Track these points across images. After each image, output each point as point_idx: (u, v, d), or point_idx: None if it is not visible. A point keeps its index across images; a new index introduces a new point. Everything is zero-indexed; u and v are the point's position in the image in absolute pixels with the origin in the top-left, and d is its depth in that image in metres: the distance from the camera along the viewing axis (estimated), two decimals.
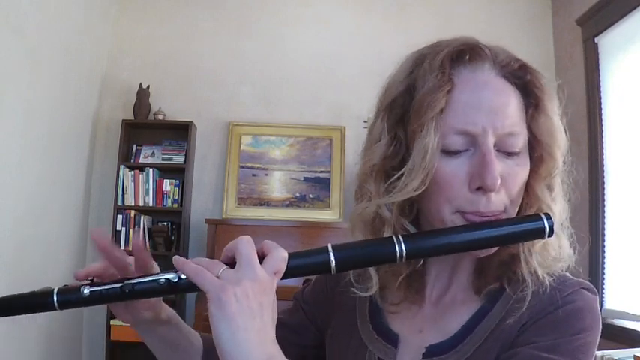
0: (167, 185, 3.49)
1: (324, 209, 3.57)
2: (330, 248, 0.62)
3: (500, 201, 0.64)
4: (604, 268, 2.99)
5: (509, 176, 0.64)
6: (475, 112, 0.63)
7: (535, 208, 0.68)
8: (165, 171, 3.57)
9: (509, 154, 0.65)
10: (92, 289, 0.60)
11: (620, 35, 3.00)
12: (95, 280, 0.63)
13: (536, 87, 0.66)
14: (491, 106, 0.63)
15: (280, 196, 3.61)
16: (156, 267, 0.67)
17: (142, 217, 3.43)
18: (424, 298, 0.74)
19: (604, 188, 3.06)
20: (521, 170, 0.65)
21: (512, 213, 0.66)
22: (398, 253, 0.61)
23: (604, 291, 2.99)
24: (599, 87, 3.15)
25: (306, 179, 3.63)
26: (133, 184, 3.45)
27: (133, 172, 3.47)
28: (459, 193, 0.64)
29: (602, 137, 3.11)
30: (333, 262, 0.61)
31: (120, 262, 0.65)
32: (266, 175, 3.63)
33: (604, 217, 3.04)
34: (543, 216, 0.63)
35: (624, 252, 2.87)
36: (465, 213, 0.64)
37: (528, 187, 0.67)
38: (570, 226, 0.70)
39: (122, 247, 3.37)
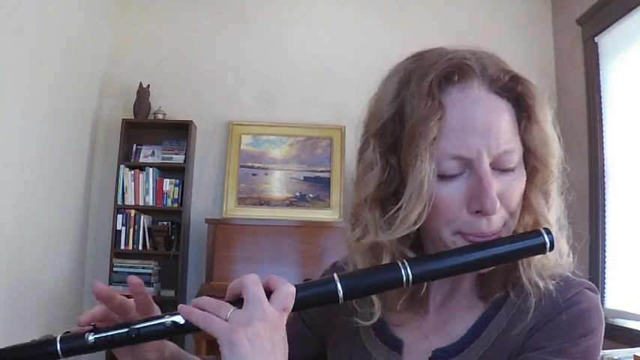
0: (167, 185, 3.49)
1: (324, 209, 3.56)
2: (336, 278, 0.61)
3: (500, 218, 0.64)
4: (605, 268, 2.99)
5: (506, 192, 0.64)
6: (468, 135, 0.62)
7: (532, 216, 0.68)
8: (165, 170, 3.57)
9: (505, 170, 0.64)
10: (97, 335, 0.59)
11: (620, 35, 3.00)
12: (98, 324, 0.62)
13: (527, 97, 0.65)
14: (484, 127, 0.62)
15: (280, 195, 3.61)
16: (156, 308, 0.67)
17: (142, 217, 3.43)
18: (427, 306, 0.74)
19: (604, 188, 3.06)
20: (518, 184, 0.65)
21: (512, 225, 0.67)
22: (404, 278, 0.61)
23: (605, 291, 2.98)
24: (599, 87, 3.15)
25: (306, 179, 3.63)
26: (132, 183, 3.45)
27: (132, 172, 3.46)
28: (458, 216, 0.64)
29: (602, 137, 3.11)
30: (341, 291, 0.61)
31: (122, 309, 0.65)
32: (266, 174, 3.63)
33: (604, 217, 3.04)
34: (543, 231, 0.64)
35: (625, 252, 2.87)
36: (466, 234, 0.64)
37: (524, 197, 0.67)
38: (568, 223, 0.70)
39: (122, 247, 3.37)
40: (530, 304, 0.66)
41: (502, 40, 3.56)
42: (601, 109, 3.14)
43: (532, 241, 0.64)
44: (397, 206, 0.64)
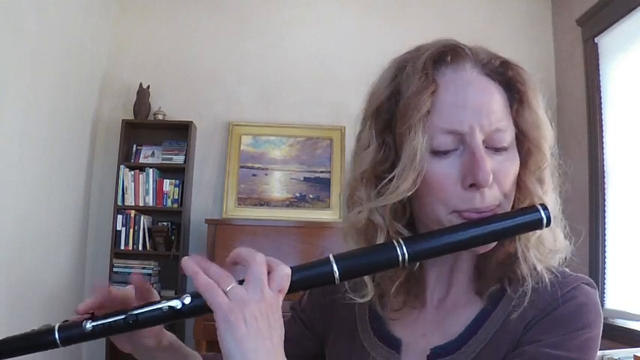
0: (167, 185, 3.49)
1: (324, 209, 3.56)
2: (331, 259, 0.61)
3: (494, 196, 0.65)
4: (605, 268, 2.99)
5: (500, 172, 0.65)
6: (461, 111, 0.63)
7: (527, 202, 0.68)
8: (165, 171, 3.57)
9: (498, 150, 0.65)
10: (94, 323, 0.59)
11: (620, 35, 3.00)
12: (96, 312, 0.62)
13: (518, 82, 0.66)
14: (476, 104, 0.64)
15: (280, 196, 3.61)
16: (155, 294, 0.67)
17: (142, 217, 3.43)
18: (425, 302, 0.74)
19: (604, 188, 3.06)
20: (511, 165, 0.66)
21: (507, 208, 0.67)
22: (400, 257, 0.61)
23: (605, 291, 2.98)
24: (599, 87, 3.15)
25: (306, 179, 3.63)
26: (133, 184, 3.45)
27: (133, 172, 3.46)
28: (453, 192, 0.64)
29: (602, 137, 3.11)
30: (337, 272, 0.61)
31: (122, 302, 0.65)
32: (266, 175, 3.63)
33: (604, 217, 3.04)
34: (539, 206, 0.64)
35: (625, 252, 2.87)
36: (461, 211, 0.65)
37: (519, 182, 0.68)
38: (564, 219, 0.71)
39: (122, 247, 3.37)
40: (527, 293, 0.66)
41: (502, 40, 3.52)
42: (601, 109, 3.14)
43: (528, 216, 0.64)
44: (390, 175, 0.65)
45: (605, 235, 3.03)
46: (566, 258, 0.70)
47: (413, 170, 0.63)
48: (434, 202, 0.65)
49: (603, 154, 3.08)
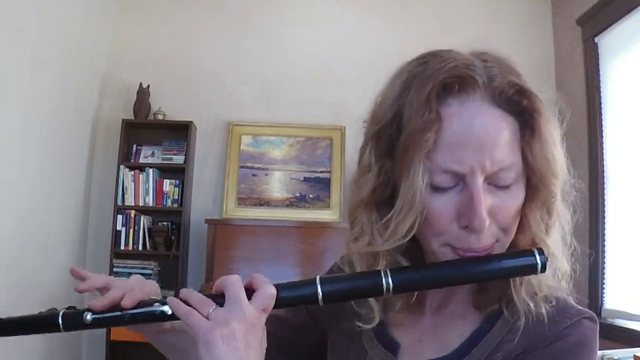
0: (167, 185, 3.49)
1: (324, 209, 3.57)
2: (317, 281, 0.63)
3: (491, 235, 0.63)
4: (604, 268, 2.99)
5: (499, 209, 0.62)
6: (462, 150, 0.60)
7: (528, 235, 0.65)
8: (165, 171, 3.57)
9: (501, 187, 0.62)
10: (95, 316, 0.64)
11: (620, 35, 3.00)
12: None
13: (534, 111, 0.61)
14: (480, 144, 0.60)
15: (280, 196, 3.61)
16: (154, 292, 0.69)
17: (142, 217, 3.43)
18: (424, 307, 0.74)
19: (604, 188, 3.06)
20: (513, 202, 0.63)
21: (506, 241, 0.64)
22: (385, 287, 0.62)
23: (604, 291, 2.98)
24: (599, 87, 3.15)
25: (306, 179, 3.63)
26: (133, 184, 3.45)
27: (133, 172, 3.47)
28: (448, 229, 0.63)
29: (602, 137, 3.11)
30: (321, 294, 0.62)
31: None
32: (266, 175, 3.63)
33: (604, 217, 3.04)
34: (536, 251, 0.62)
35: (624, 252, 2.87)
36: (455, 248, 0.63)
37: (523, 215, 0.64)
38: (573, 239, 0.67)
39: (122, 247, 3.37)
40: (520, 324, 0.64)
41: (502, 40, 3.54)
42: (601, 109, 3.14)
43: (522, 260, 0.62)
44: (389, 216, 0.64)
45: (604, 234, 3.03)
46: (569, 289, 0.68)
47: (411, 213, 0.61)
48: (428, 235, 0.64)
49: (603, 154, 3.08)
